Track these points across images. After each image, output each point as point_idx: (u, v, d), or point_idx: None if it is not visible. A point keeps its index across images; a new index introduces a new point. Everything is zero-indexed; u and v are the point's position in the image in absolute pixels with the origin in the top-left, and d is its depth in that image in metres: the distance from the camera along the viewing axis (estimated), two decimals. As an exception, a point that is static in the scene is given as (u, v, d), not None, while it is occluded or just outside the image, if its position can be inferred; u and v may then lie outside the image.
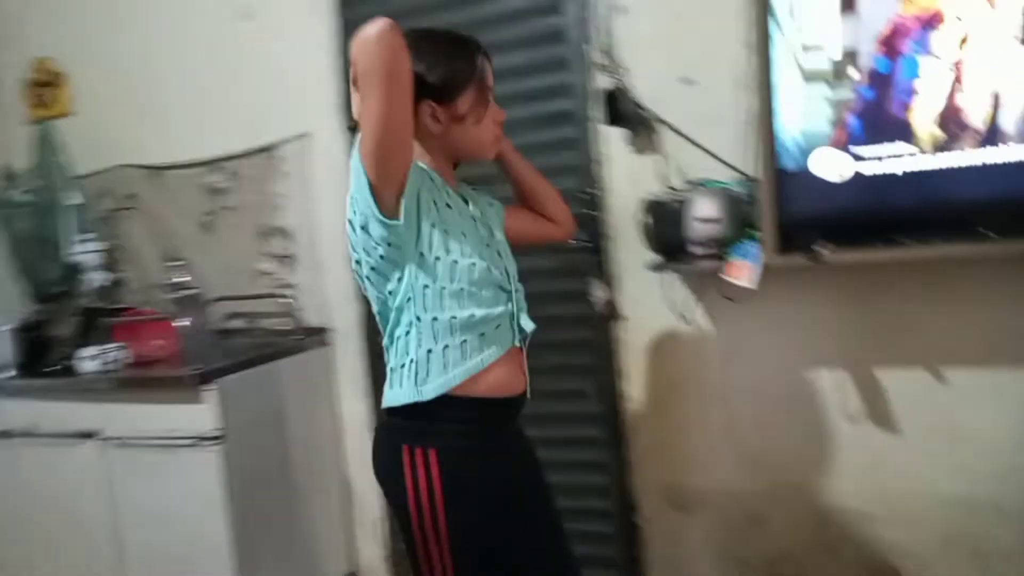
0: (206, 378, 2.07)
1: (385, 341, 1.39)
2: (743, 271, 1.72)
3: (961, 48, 1.51)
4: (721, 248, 1.76)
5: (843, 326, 1.89)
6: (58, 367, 2.35)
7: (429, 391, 1.32)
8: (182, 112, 2.61)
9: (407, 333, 1.34)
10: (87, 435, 2.23)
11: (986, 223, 1.55)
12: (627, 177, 2.03)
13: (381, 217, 1.26)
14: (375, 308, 1.40)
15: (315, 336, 2.45)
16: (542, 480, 1.55)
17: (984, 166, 1.53)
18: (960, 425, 1.81)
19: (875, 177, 1.61)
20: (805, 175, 1.64)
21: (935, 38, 1.52)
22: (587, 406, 2.18)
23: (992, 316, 1.76)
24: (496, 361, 1.35)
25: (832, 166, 1.63)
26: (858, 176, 1.62)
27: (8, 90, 2.88)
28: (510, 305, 1.39)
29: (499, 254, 1.42)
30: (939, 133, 1.55)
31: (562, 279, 2.16)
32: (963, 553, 1.84)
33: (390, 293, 1.34)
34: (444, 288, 1.31)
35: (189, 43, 2.57)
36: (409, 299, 1.32)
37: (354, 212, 1.31)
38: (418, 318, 1.32)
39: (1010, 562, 1.80)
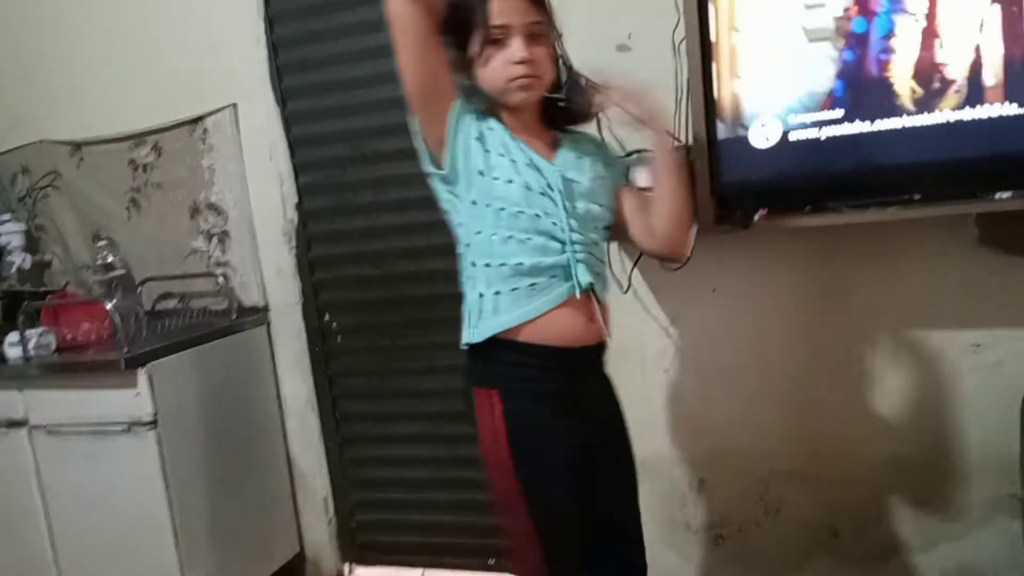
0: (138, 361, 2.00)
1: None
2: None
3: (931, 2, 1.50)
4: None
5: (781, 292, 1.91)
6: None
7: (480, 333, 1.36)
8: (101, 83, 2.48)
9: (469, 278, 1.40)
10: (14, 424, 2.15)
11: (916, 187, 1.58)
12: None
13: (431, 166, 1.38)
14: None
15: (252, 315, 2.39)
16: (614, 438, 1.52)
17: (909, 129, 1.55)
18: (890, 385, 1.86)
19: (803, 143, 1.61)
20: (739, 142, 1.64)
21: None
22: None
23: (922, 278, 1.80)
24: (551, 310, 1.34)
25: (763, 132, 1.63)
26: (787, 143, 1.62)
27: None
28: (565, 256, 1.35)
29: (560, 204, 1.36)
30: (919, 90, 1.53)
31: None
32: (896, 510, 1.90)
33: (458, 239, 1.41)
34: (494, 235, 1.34)
35: (104, 8, 2.44)
36: (467, 245, 1.39)
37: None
38: (473, 263, 1.38)
39: (939, 516, 1.86)
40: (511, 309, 1.34)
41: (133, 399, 2.01)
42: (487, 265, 1.35)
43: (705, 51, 1.65)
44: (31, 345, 2.17)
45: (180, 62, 2.36)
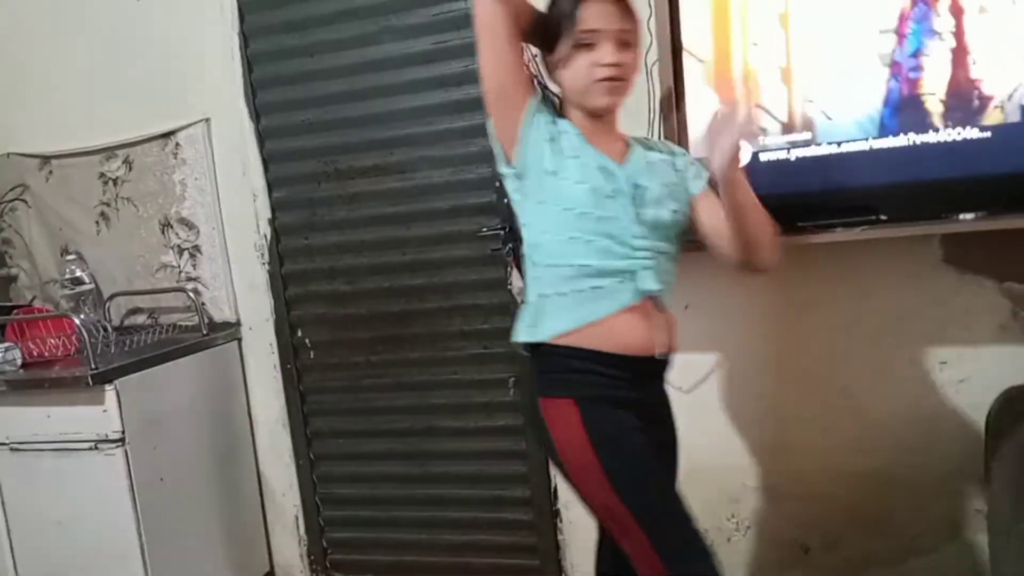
0: (105, 377, 1.98)
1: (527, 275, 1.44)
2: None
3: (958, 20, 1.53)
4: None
5: (753, 309, 1.93)
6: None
7: (539, 333, 1.36)
8: (72, 95, 2.46)
9: (533, 279, 1.40)
10: (-23, 442, 2.10)
11: (882, 208, 1.61)
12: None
13: (503, 166, 1.41)
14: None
15: (223, 331, 2.37)
16: (673, 450, 1.51)
17: (878, 152, 1.58)
18: (858, 402, 1.89)
19: (774, 163, 1.65)
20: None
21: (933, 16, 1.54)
22: (507, 395, 2.18)
23: (889, 297, 1.83)
24: (613, 315, 1.33)
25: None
26: (758, 163, 1.65)
27: None
28: (630, 261, 1.34)
29: (628, 209, 1.34)
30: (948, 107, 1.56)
31: (480, 267, 2.14)
32: (866, 525, 1.92)
33: (524, 238, 1.41)
34: (559, 236, 1.34)
35: (74, 19, 2.42)
36: (533, 245, 1.39)
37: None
38: (537, 264, 1.39)
39: (907, 530, 1.89)
40: (573, 311, 1.34)
41: (100, 416, 1.99)
42: (551, 266, 1.36)
43: (677, 73, 1.68)
44: (1, 360, 2.13)
45: (152, 76, 2.35)
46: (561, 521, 2.18)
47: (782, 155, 1.65)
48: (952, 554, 1.86)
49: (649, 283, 1.35)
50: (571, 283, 1.34)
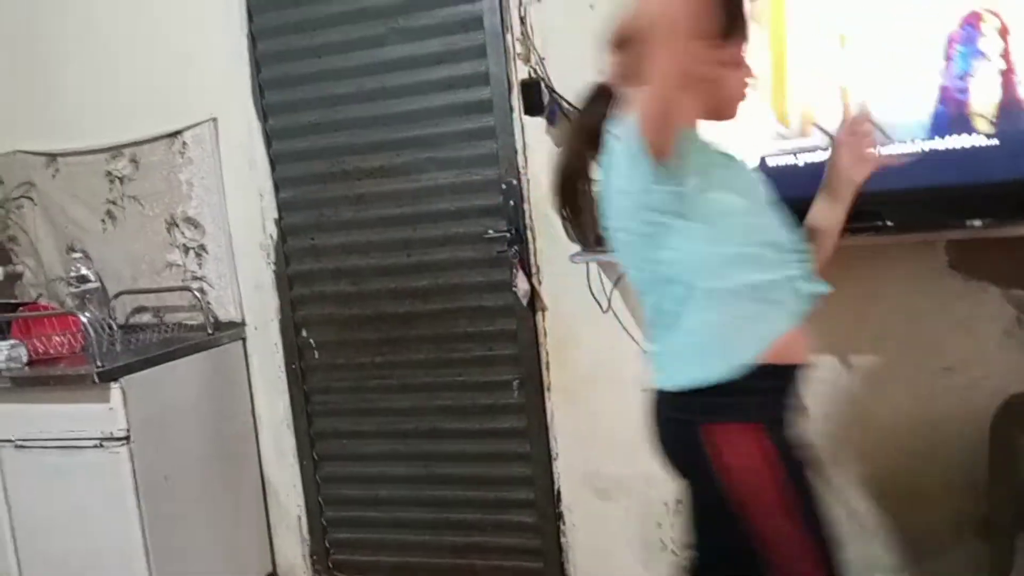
0: (111, 375, 1.99)
1: (650, 314, 1.28)
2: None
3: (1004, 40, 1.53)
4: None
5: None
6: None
7: (719, 368, 1.20)
8: (79, 94, 2.47)
9: (684, 304, 1.22)
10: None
11: (888, 214, 1.61)
12: (547, 167, 2.02)
13: (656, 181, 1.18)
14: (635, 277, 1.30)
15: (228, 330, 2.38)
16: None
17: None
18: (862, 406, 1.89)
19: (782, 168, 1.65)
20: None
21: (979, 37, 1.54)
22: (511, 397, 2.18)
23: (894, 302, 1.84)
24: (793, 327, 1.24)
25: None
26: (765, 167, 1.66)
27: None
28: (797, 267, 1.25)
29: (778, 214, 1.28)
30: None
31: (486, 269, 2.15)
32: (868, 530, 1.92)
33: (661, 262, 1.23)
34: (725, 252, 1.21)
35: (83, 18, 2.43)
36: (686, 266, 1.22)
37: (620, 176, 1.22)
38: (697, 287, 1.22)
39: (910, 535, 1.89)
40: (754, 331, 1.22)
41: (106, 413, 2.00)
42: (717, 288, 1.21)
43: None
44: (1, 358, 2.13)
45: (160, 75, 2.36)
46: (564, 524, 2.18)
47: (789, 160, 1.65)
48: (955, 559, 1.86)
49: (820, 286, 1.27)
50: (746, 302, 1.22)
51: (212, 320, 2.37)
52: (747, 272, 1.21)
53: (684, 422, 1.25)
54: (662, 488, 2.07)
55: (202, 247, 2.40)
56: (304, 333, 2.36)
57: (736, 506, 1.20)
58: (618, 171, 1.23)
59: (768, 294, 1.22)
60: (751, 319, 1.22)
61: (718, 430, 1.21)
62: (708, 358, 1.22)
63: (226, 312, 2.40)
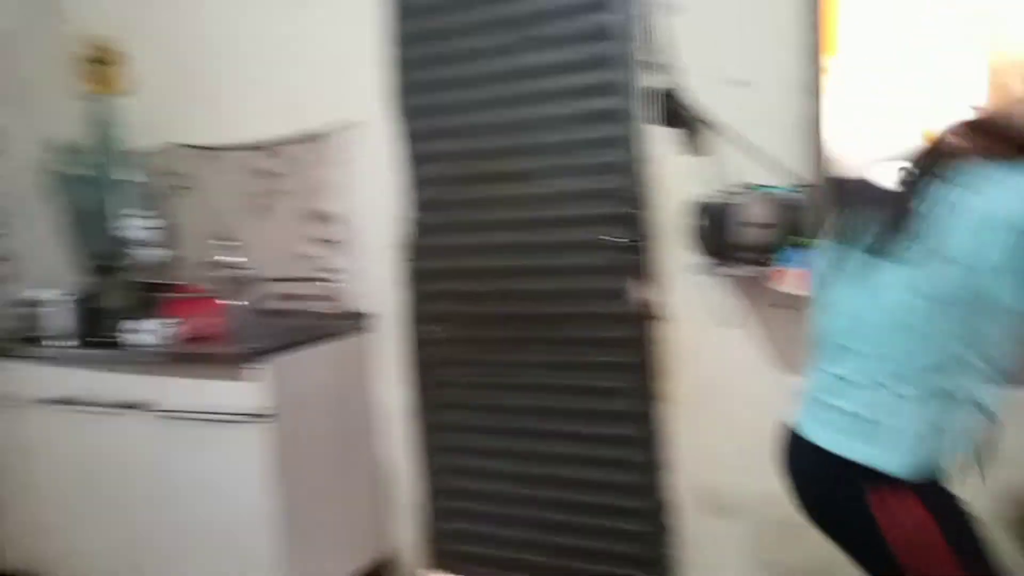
0: (259, 356, 2.12)
1: (877, 376, 1.20)
2: (790, 278, 1.71)
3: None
4: (766, 254, 1.75)
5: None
6: (109, 339, 2.40)
7: (920, 469, 1.16)
8: (234, 96, 2.65)
9: (937, 389, 1.15)
10: (135, 406, 2.29)
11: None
12: (673, 177, 2.02)
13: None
14: (900, 322, 1.18)
15: (358, 321, 2.50)
16: None
17: None
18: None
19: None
20: (862, 181, 1.62)
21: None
22: (621, 404, 2.19)
23: None
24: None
25: (885, 172, 1.60)
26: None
27: (63, 65, 2.88)
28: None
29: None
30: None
31: (601, 276, 2.16)
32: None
33: (956, 338, 1.13)
34: (1001, 337, 1.13)
35: (243, 27, 2.61)
36: (975, 351, 1.13)
37: (964, 240, 1.10)
38: (957, 382, 1.15)
39: None
40: (953, 448, 1.20)
41: (250, 391, 2.12)
42: (971, 388, 1.16)
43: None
44: (159, 334, 2.33)
45: (309, 78, 2.50)
46: (673, 537, 2.17)
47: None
48: None
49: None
50: (969, 414, 1.18)
51: (345, 311, 2.50)
52: (1004, 361, 1.15)
53: (849, 492, 1.22)
54: (781, 509, 2.02)
55: (338, 241, 2.53)
56: (428, 328, 2.45)
57: (906, 569, 1.19)
58: (962, 235, 1.10)
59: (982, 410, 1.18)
60: (963, 438, 1.20)
61: (880, 494, 1.18)
62: (908, 456, 1.17)
63: (357, 304, 2.52)
